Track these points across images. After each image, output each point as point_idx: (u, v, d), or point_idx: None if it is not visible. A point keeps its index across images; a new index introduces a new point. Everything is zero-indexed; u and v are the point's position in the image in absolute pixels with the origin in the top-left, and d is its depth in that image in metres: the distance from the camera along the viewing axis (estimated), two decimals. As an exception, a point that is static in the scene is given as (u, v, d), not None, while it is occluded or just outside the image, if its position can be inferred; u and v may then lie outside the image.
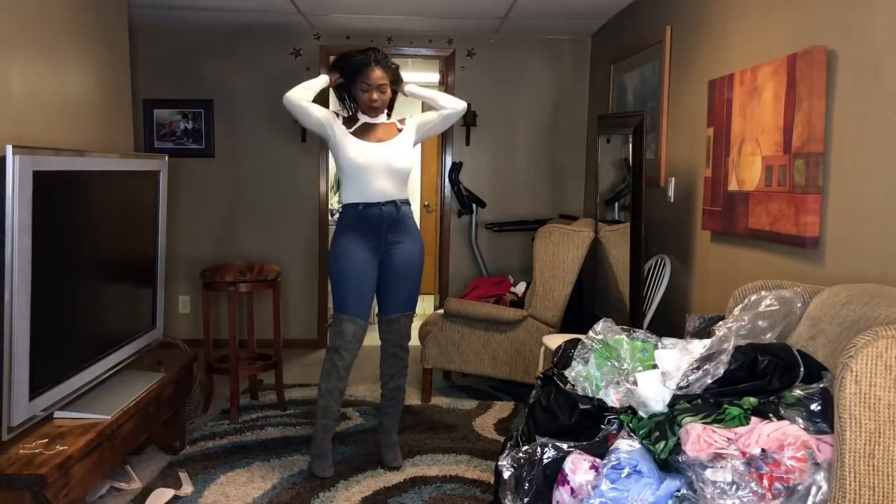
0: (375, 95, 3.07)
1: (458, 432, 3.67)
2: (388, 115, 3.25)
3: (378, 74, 3.07)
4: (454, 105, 3.19)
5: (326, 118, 3.12)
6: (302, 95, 3.07)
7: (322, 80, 3.16)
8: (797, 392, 1.84)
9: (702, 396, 1.92)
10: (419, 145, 3.29)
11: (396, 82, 3.18)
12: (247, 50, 5.36)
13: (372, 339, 3.39)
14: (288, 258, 5.36)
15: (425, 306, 7.24)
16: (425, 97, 3.24)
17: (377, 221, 3.09)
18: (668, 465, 1.84)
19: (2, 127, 2.61)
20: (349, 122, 3.16)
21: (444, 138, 5.63)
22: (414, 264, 3.21)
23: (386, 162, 3.08)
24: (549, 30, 5.29)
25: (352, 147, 3.07)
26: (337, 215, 3.33)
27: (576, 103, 5.56)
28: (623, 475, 1.79)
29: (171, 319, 5.11)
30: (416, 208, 7.70)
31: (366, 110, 3.13)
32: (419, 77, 7.10)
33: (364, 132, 3.13)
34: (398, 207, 3.13)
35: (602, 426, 2.05)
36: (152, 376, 3.10)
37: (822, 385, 1.84)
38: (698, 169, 3.45)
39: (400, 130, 3.17)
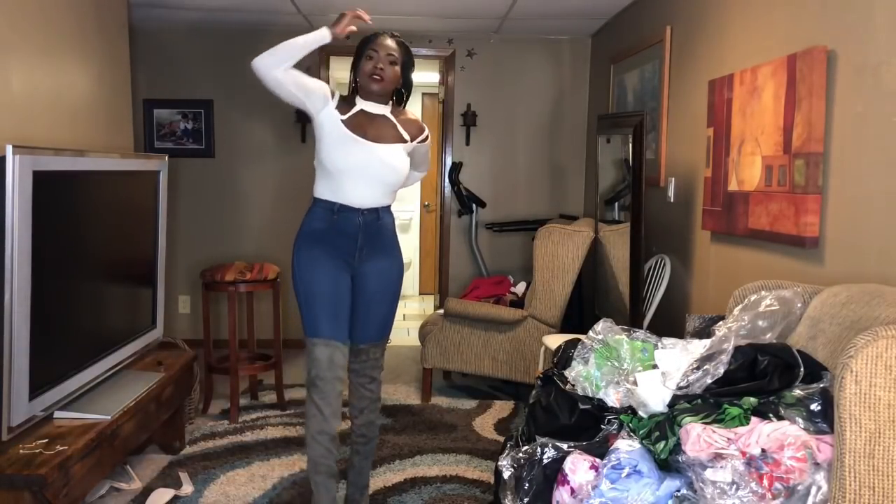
0: (381, 65, 2.48)
1: (458, 432, 3.67)
2: (403, 107, 2.66)
3: (389, 44, 2.51)
4: (423, 173, 2.85)
5: (320, 89, 2.51)
6: (281, 60, 2.46)
7: (319, 36, 2.46)
8: (797, 392, 1.84)
9: (702, 396, 1.92)
10: None
11: (408, 67, 2.60)
12: (247, 50, 5.29)
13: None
14: (288, 258, 5.28)
15: (425, 306, 7.25)
16: (418, 161, 2.72)
17: (352, 230, 2.54)
18: (668, 465, 1.84)
19: (2, 127, 2.61)
20: (344, 105, 2.53)
21: (444, 138, 5.63)
22: (391, 289, 2.66)
23: (376, 169, 2.50)
24: (549, 30, 5.29)
25: (339, 142, 2.48)
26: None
27: (576, 103, 5.56)
28: (623, 475, 1.79)
29: (171, 319, 5.11)
30: (415, 208, 7.71)
31: (366, 83, 2.50)
32: (419, 77, 7.10)
33: (358, 123, 2.51)
34: (379, 216, 2.57)
35: (602, 426, 2.05)
36: (152, 376, 3.10)
37: (822, 385, 1.84)
38: (698, 169, 3.45)
39: (403, 139, 2.57)
